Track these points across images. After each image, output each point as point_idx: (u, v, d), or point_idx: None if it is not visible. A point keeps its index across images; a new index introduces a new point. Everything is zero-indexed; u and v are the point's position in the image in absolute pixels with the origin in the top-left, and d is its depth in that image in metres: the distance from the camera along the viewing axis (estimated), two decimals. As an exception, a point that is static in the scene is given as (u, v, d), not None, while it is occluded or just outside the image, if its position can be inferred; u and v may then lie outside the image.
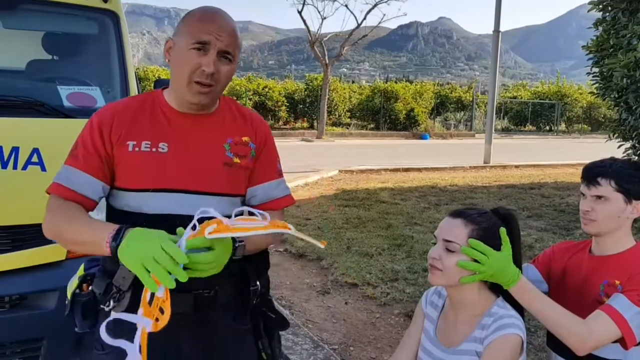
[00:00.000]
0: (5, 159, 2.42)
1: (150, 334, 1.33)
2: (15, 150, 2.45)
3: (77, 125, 2.68)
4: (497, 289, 1.69)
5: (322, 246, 1.32)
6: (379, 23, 22.74)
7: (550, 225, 6.34)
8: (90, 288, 1.49)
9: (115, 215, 1.51)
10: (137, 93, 3.14)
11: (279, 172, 1.67)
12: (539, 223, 6.45)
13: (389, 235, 5.69)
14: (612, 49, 7.35)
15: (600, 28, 8.02)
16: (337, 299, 3.91)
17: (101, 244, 1.29)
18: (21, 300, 2.37)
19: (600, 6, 7.74)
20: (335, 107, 25.11)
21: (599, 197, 1.77)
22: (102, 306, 1.44)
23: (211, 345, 1.53)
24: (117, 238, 1.27)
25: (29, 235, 2.41)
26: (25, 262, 2.38)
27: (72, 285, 1.54)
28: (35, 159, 2.47)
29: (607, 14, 7.76)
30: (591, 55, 8.33)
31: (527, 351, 2.98)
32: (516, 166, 12.96)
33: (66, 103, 2.82)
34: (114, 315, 1.28)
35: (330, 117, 24.76)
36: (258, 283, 1.61)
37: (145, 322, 1.24)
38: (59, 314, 2.35)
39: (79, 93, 2.92)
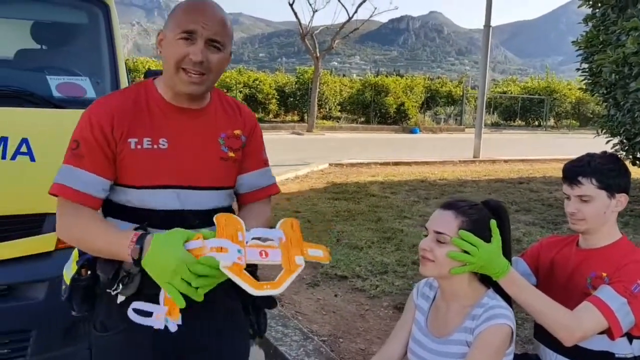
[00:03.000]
0: (-6, 148, 2.40)
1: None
2: (3, 140, 2.43)
3: (67, 116, 2.69)
4: (487, 281, 1.71)
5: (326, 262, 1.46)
6: (370, 16, 22.69)
7: (538, 220, 6.39)
8: (88, 272, 1.51)
9: (115, 209, 1.52)
10: (127, 84, 3.11)
11: (265, 161, 1.70)
12: (527, 217, 6.50)
13: (378, 229, 5.71)
14: (601, 45, 7.40)
15: (590, 24, 8.07)
16: (327, 291, 3.92)
17: (121, 253, 1.34)
18: (10, 291, 2.35)
19: (590, 2, 7.78)
20: (326, 100, 25.10)
21: (583, 197, 1.80)
22: (108, 290, 1.47)
23: (211, 324, 1.60)
24: (139, 250, 1.32)
25: (18, 226, 2.39)
26: (14, 253, 2.36)
27: (70, 270, 1.56)
28: (24, 149, 2.45)
29: (597, 10, 7.80)
30: (581, 51, 8.38)
31: (515, 343, 3.00)
32: (505, 161, 13.03)
33: (55, 93, 2.79)
34: (135, 304, 1.37)
35: (321, 110, 24.75)
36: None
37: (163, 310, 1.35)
38: (48, 305, 2.36)
39: (68, 83, 2.89)
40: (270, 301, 1.78)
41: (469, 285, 1.69)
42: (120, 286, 1.44)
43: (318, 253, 1.43)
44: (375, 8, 22.60)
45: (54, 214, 2.39)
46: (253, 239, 1.35)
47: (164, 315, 1.35)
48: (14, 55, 3.33)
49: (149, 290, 1.47)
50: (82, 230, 1.43)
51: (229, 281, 1.64)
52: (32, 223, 2.41)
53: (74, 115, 2.70)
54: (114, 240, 1.36)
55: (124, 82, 3.04)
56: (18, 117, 2.58)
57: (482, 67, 14.21)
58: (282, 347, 2.78)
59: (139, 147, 1.46)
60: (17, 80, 2.84)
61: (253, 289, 1.28)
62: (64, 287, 1.57)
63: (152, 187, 1.47)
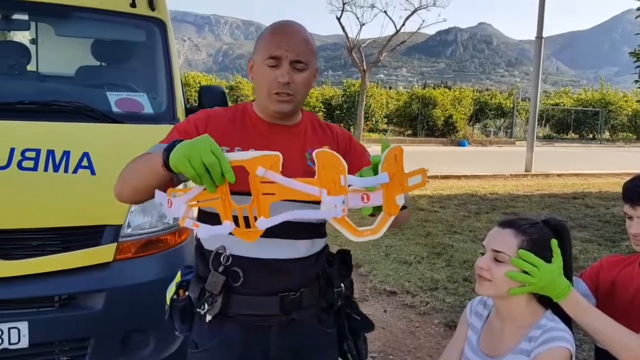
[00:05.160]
0: (57, 162, 2.49)
1: (240, 334, 1.53)
2: (66, 154, 2.52)
3: (126, 131, 2.79)
4: (545, 301, 1.65)
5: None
6: (418, 29, 22.60)
7: (595, 237, 6.16)
8: (186, 294, 1.58)
9: (205, 215, 1.56)
10: (182, 100, 3.19)
11: None
12: (583, 234, 6.28)
13: (427, 243, 5.63)
14: (662, 56, 7.14)
15: (649, 34, 7.79)
16: (376, 306, 3.89)
17: (157, 161, 1.31)
18: (70, 300, 2.43)
19: (650, 11, 7.53)
20: (372, 113, 25.08)
21: None
22: (197, 310, 1.54)
23: (297, 347, 1.60)
24: (169, 149, 1.27)
25: (78, 237, 2.48)
26: (74, 263, 2.44)
27: (170, 291, 1.64)
28: (85, 163, 2.54)
29: (657, 19, 7.53)
30: (639, 62, 8.09)
31: (574, 366, 2.89)
32: (558, 175, 12.67)
33: (115, 109, 2.88)
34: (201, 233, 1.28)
35: (367, 123, 24.74)
36: (342, 285, 1.67)
37: (226, 227, 1.25)
38: (106, 315, 2.43)
39: (127, 99, 2.98)
40: (368, 324, 1.75)
41: (527, 305, 1.64)
42: (206, 306, 1.50)
43: (417, 180, 1.35)
44: (424, 20, 22.55)
45: (113, 225, 2.51)
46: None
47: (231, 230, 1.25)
48: (75, 72, 3.47)
49: (236, 311, 1.53)
50: (131, 164, 1.46)
51: (319, 305, 1.63)
52: (92, 234, 2.49)
53: (132, 130, 2.82)
54: (153, 155, 1.36)
55: (179, 97, 3.12)
56: (79, 131, 2.68)
57: (534, 78, 13.91)
58: (331, 363, 2.76)
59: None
60: (78, 96, 2.94)
61: (353, 236, 1.25)
62: (166, 307, 1.64)
63: (238, 193, 1.46)
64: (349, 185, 1.24)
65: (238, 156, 1.24)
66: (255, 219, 1.25)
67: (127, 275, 2.51)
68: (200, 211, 1.57)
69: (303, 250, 1.59)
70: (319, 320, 1.64)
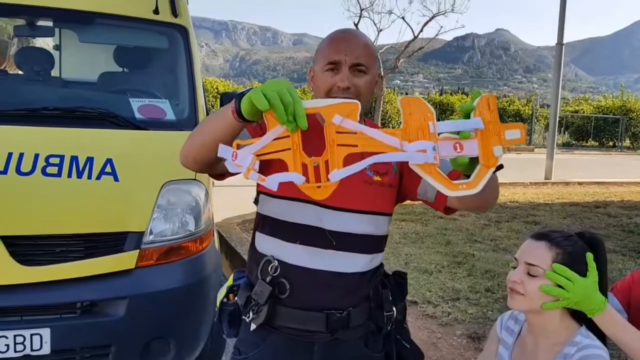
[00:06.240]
0: (81, 168, 2.49)
1: (283, 346, 1.50)
2: (90, 160, 2.52)
3: (148, 137, 2.79)
4: (579, 317, 1.60)
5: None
6: (436, 35, 22.48)
7: (619, 247, 6.04)
8: (235, 299, 1.58)
9: (261, 222, 1.57)
10: (204, 106, 3.18)
11: None
12: (607, 244, 6.13)
13: (448, 252, 5.56)
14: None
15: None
16: (396, 316, 3.83)
17: (227, 111, 1.27)
18: (91, 307, 2.43)
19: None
20: (390, 119, 25.02)
21: None
22: (243, 317, 1.52)
23: None
24: (241, 95, 1.23)
25: (101, 244, 2.47)
26: (96, 270, 2.43)
27: (220, 294, 1.63)
28: (108, 169, 2.53)
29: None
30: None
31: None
32: (579, 183, 12.46)
33: (137, 115, 2.88)
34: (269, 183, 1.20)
35: (385, 130, 24.69)
36: (394, 309, 1.60)
37: (296, 177, 1.17)
38: (127, 322, 2.42)
39: (149, 105, 2.98)
40: (417, 354, 1.69)
41: (561, 321, 1.59)
42: (251, 314, 1.48)
43: (515, 135, 1.17)
44: (441, 27, 22.42)
45: (135, 232, 2.51)
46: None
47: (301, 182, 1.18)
48: (97, 78, 3.49)
49: (280, 323, 1.49)
50: (198, 127, 1.42)
51: (367, 327, 1.56)
52: (114, 241, 2.48)
53: (155, 137, 2.81)
54: (220, 110, 1.33)
55: (201, 104, 3.11)
56: (103, 138, 2.68)
57: (554, 85, 13.75)
58: (353, 374, 2.72)
59: None
60: (101, 103, 2.96)
61: (448, 189, 1.14)
62: (216, 309, 1.64)
63: (290, 199, 1.45)
64: (439, 134, 1.14)
65: (313, 103, 1.18)
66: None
67: (149, 283, 2.50)
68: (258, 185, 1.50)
69: (360, 265, 1.52)
70: (365, 343, 1.58)
